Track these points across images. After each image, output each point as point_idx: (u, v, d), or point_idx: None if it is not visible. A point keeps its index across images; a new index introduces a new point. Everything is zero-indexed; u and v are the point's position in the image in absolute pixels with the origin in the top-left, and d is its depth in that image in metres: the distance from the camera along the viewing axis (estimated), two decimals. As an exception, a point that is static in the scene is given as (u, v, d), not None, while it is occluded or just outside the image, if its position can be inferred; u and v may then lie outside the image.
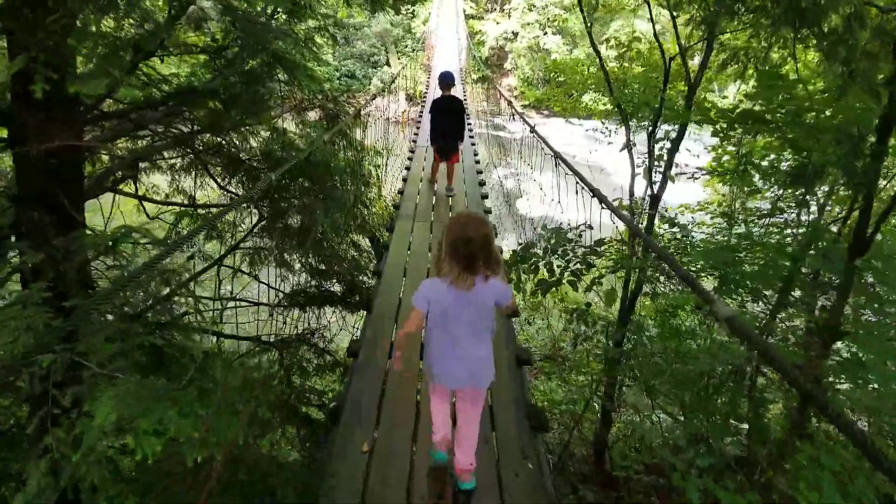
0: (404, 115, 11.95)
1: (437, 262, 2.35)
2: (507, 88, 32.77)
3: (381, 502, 2.59)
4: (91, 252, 2.53)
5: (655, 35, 6.09)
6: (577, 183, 4.79)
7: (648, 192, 6.46)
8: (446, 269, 2.28)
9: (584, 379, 7.90)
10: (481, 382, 2.44)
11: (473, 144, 9.83)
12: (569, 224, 5.38)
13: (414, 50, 24.95)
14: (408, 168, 8.12)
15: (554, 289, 5.20)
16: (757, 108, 4.27)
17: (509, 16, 34.69)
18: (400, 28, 35.08)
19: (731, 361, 4.12)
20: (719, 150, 9.30)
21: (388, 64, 33.52)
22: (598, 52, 6.83)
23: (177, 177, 6.53)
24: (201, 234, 5.69)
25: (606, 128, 9.13)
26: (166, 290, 2.96)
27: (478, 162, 8.73)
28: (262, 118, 4.98)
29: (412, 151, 9.19)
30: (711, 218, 8.42)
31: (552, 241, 5.29)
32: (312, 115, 7.11)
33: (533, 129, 4.47)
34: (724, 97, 12.78)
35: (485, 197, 7.05)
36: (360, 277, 5.42)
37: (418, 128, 10.71)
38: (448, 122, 6.64)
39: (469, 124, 11.70)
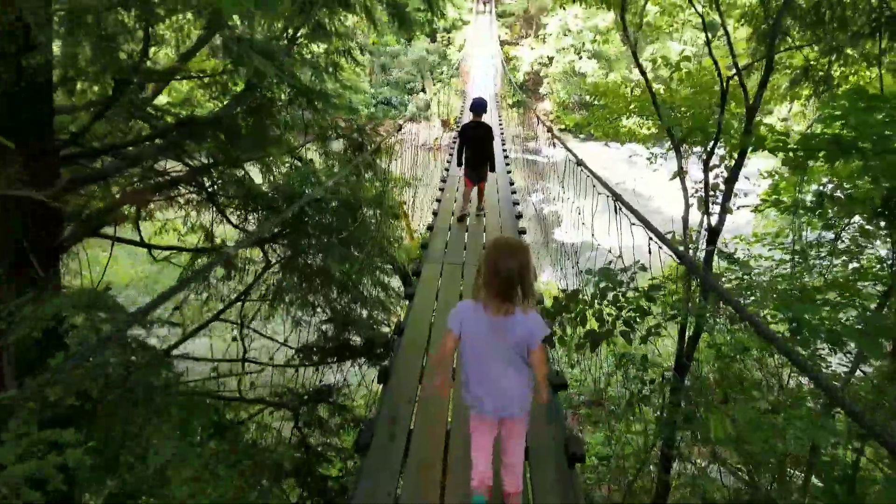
0: (436, 143, 11.47)
1: (475, 286, 2.31)
2: (542, 113, 32.28)
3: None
4: (31, 327, 2.04)
5: (711, 53, 5.47)
6: (621, 211, 4.19)
7: (705, 225, 5.79)
8: (483, 295, 2.26)
9: (635, 439, 7.15)
10: (515, 413, 2.40)
11: (509, 173, 9.30)
12: (613, 257, 4.76)
13: (450, 76, 24.72)
14: (438, 200, 7.55)
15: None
16: (845, 132, 3.63)
17: (544, 41, 34.38)
18: (436, 55, 35.08)
19: (823, 438, 3.42)
20: (776, 177, 8.52)
21: (423, 90, 33.44)
22: (644, 73, 6.25)
23: (190, 214, 6.15)
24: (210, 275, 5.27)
25: (652, 153, 8.50)
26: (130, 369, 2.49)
27: (514, 193, 8.17)
28: (272, 152, 4.55)
29: (444, 181, 8.60)
30: (769, 250, 7.65)
31: (601, 286, 4.67)
32: (338, 146, 6.71)
33: (580, 162, 3.89)
34: (783, 119, 11.92)
35: (522, 232, 6.49)
36: (381, 329, 4.89)
37: (451, 156, 10.20)
38: (477, 148, 6.64)
39: (505, 150, 11.21)
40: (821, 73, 6.89)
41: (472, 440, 2.49)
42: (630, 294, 4.66)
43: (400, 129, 5.97)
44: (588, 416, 8.55)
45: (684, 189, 6.10)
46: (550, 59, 33.12)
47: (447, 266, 5.33)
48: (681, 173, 6.08)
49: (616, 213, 3.50)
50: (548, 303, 5.05)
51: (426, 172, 9.93)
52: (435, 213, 6.99)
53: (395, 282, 7.11)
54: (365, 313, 5.06)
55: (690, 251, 6.24)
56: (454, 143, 11.12)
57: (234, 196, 5.28)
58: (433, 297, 4.80)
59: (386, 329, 5.23)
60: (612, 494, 7.23)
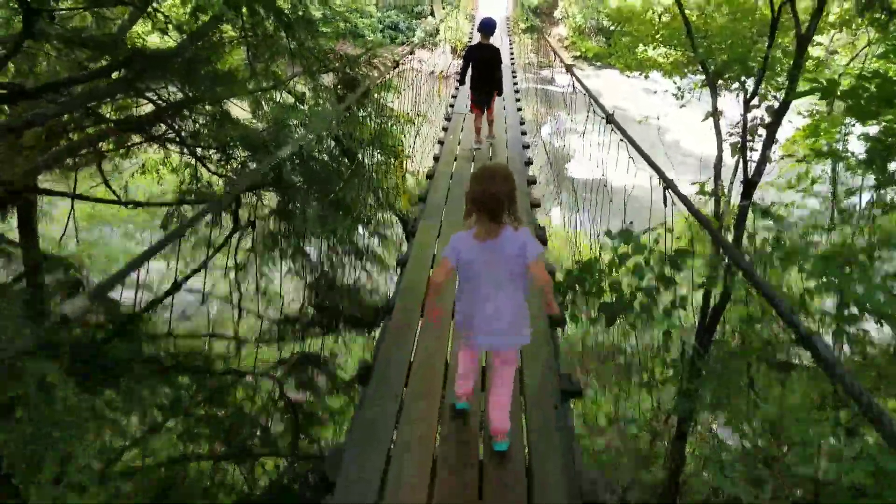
0: (441, 75, 10.56)
1: (465, 215, 2.29)
2: (556, 39, 30.58)
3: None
4: None
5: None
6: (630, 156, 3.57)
7: (740, 176, 5.13)
8: (472, 222, 2.27)
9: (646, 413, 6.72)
10: (510, 341, 2.39)
11: (520, 110, 8.49)
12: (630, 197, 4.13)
13: (459, -1, 23.20)
14: (441, 142, 6.71)
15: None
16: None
17: (561, -42, 32.14)
18: (444, -26, 33.05)
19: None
20: (816, 116, 7.68)
21: (432, 14, 31.66)
22: (678, -3, 5.41)
23: (171, 157, 5.61)
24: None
25: (679, 88, 7.71)
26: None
27: (524, 132, 7.42)
28: (244, 90, 3.92)
29: (448, 119, 7.76)
30: (803, 198, 6.99)
31: (619, 251, 4.09)
32: (331, 79, 6.04)
33: (611, 119, 3.22)
34: (832, 52, 10.65)
35: (532, 182, 5.85)
36: (374, 293, 4.35)
37: (457, 89, 9.31)
38: (484, 71, 6.21)
39: (516, 83, 10.34)
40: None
41: (460, 357, 2.55)
42: (652, 259, 4.11)
43: (396, 66, 5.13)
44: (595, 371, 8.13)
45: (718, 133, 5.40)
46: (567, -22, 31.07)
47: (447, 225, 4.56)
48: (715, 115, 5.36)
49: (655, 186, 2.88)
50: (554, 256, 4.51)
51: (431, 108, 9.07)
52: (436, 158, 6.16)
53: (396, 232, 6.55)
54: (356, 275, 4.53)
55: (721, 205, 5.62)
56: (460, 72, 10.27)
57: (208, 140, 4.69)
58: (429, 264, 4.03)
59: (382, 287, 4.72)
60: (620, 458, 6.89)
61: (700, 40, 5.72)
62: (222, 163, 4.94)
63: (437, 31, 17.06)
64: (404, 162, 6.83)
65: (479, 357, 2.60)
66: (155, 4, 3.68)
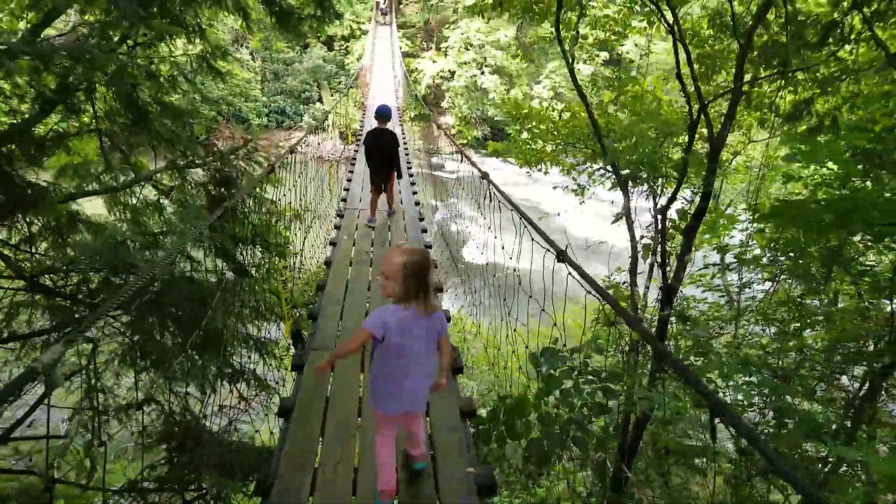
0: (331, 167, 9.96)
1: (394, 291, 2.28)
2: (443, 127, 31.53)
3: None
4: None
5: (680, 77, 4.48)
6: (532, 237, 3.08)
7: (659, 282, 4.82)
8: (400, 299, 2.27)
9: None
10: (419, 409, 2.51)
11: (415, 193, 8.00)
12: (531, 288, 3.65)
13: (348, 87, 23.14)
14: (333, 243, 5.89)
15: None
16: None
17: (445, 54, 33.69)
18: (333, 64, 33.49)
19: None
20: (713, 214, 7.76)
21: (320, 100, 31.70)
22: (584, 97, 5.23)
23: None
24: None
25: (577, 185, 7.60)
26: None
27: (422, 218, 6.95)
28: (48, 210, 3.05)
29: (340, 216, 6.90)
30: (703, 292, 6.95)
31: (548, 377, 3.51)
32: (201, 175, 5.24)
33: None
34: (735, 153, 11.16)
35: (428, 247, 5.63)
36: (248, 456, 3.39)
37: (349, 180, 8.68)
38: (385, 156, 6.37)
39: (409, 166, 9.94)
40: (766, 100, 6.25)
41: (378, 451, 2.50)
42: (581, 381, 3.61)
43: (272, 171, 4.26)
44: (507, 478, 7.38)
45: (632, 237, 5.11)
46: (452, 73, 32.49)
47: (341, 361, 3.68)
48: (628, 215, 5.09)
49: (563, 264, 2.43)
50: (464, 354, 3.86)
51: (322, 201, 8.31)
52: (328, 263, 5.22)
53: (281, 348, 5.68)
54: (227, 422, 3.58)
55: (640, 311, 5.29)
56: (353, 163, 9.75)
57: (43, 255, 3.70)
58: (321, 414, 3.07)
59: (260, 437, 3.78)
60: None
61: (610, 142, 5.55)
62: (61, 283, 3.94)
63: (326, 117, 16.83)
64: (287, 276, 5.93)
65: (394, 438, 2.55)
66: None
